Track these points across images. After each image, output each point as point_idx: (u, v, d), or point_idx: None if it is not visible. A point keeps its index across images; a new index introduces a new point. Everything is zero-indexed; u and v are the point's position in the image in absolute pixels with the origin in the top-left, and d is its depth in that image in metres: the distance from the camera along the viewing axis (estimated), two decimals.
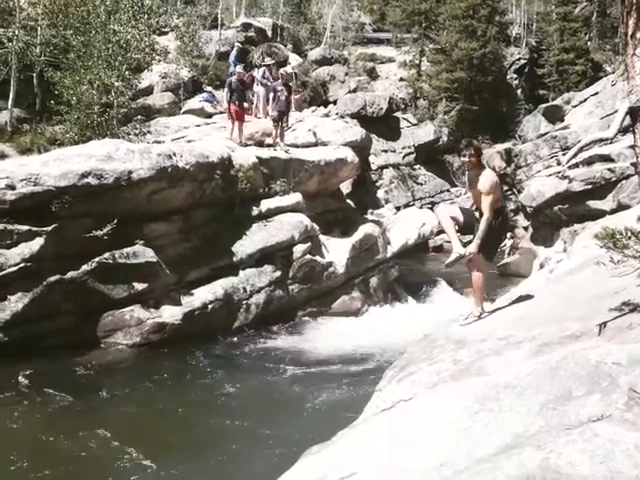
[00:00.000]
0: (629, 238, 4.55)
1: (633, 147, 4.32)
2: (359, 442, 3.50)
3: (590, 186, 16.14)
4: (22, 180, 9.93)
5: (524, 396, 3.03)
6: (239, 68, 14.90)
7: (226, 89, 14.47)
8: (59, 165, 10.36)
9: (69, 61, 14.03)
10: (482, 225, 5.27)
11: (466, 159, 5.49)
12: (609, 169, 15.75)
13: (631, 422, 2.55)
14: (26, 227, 9.88)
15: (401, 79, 28.74)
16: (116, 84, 13.68)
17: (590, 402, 2.76)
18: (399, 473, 2.77)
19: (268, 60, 17.97)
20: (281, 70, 15.35)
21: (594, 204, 15.92)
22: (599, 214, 14.17)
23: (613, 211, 13.97)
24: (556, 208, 17.11)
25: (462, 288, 15.03)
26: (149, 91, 19.33)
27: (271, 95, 14.31)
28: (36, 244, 9.91)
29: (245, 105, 14.68)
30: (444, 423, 3.16)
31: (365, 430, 3.77)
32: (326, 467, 3.20)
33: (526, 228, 20.86)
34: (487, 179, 5.40)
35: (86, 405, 8.30)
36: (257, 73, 16.20)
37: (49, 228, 10.03)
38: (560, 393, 2.91)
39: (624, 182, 15.33)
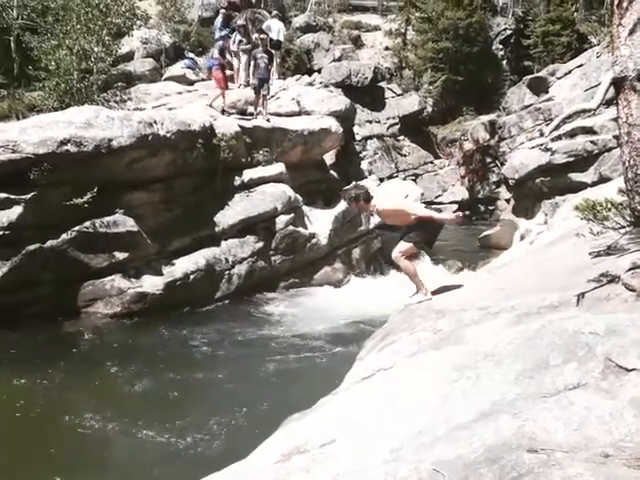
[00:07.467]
0: (609, 210, 4.58)
1: (616, 119, 4.32)
2: (340, 410, 3.52)
3: (572, 158, 16.16)
4: (0, 147, 9.76)
5: (502, 364, 3.06)
6: (224, 33, 14.66)
7: (217, 55, 14.35)
8: (38, 132, 10.17)
9: (47, 25, 13.66)
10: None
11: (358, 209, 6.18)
12: (591, 141, 15.76)
13: (606, 390, 2.58)
14: (4, 195, 9.74)
15: (386, 48, 28.43)
16: (96, 49, 13.35)
17: (566, 371, 2.79)
18: (378, 440, 2.80)
19: (240, 22, 17.41)
20: (261, 36, 15.07)
21: (576, 176, 15.96)
22: (580, 186, 14.21)
23: (594, 183, 14.01)
24: (538, 180, 17.14)
25: (445, 260, 15.13)
26: (129, 57, 18.89)
27: (252, 62, 14.11)
28: (15, 212, 9.78)
29: (229, 72, 14.52)
30: (423, 391, 3.19)
31: (346, 398, 3.80)
32: (307, 434, 3.22)
33: (508, 200, 20.94)
34: (394, 201, 6.02)
35: (65, 374, 8.27)
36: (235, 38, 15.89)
37: (28, 196, 9.88)
38: (537, 362, 2.94)
39: (606, 154, 15.36)
